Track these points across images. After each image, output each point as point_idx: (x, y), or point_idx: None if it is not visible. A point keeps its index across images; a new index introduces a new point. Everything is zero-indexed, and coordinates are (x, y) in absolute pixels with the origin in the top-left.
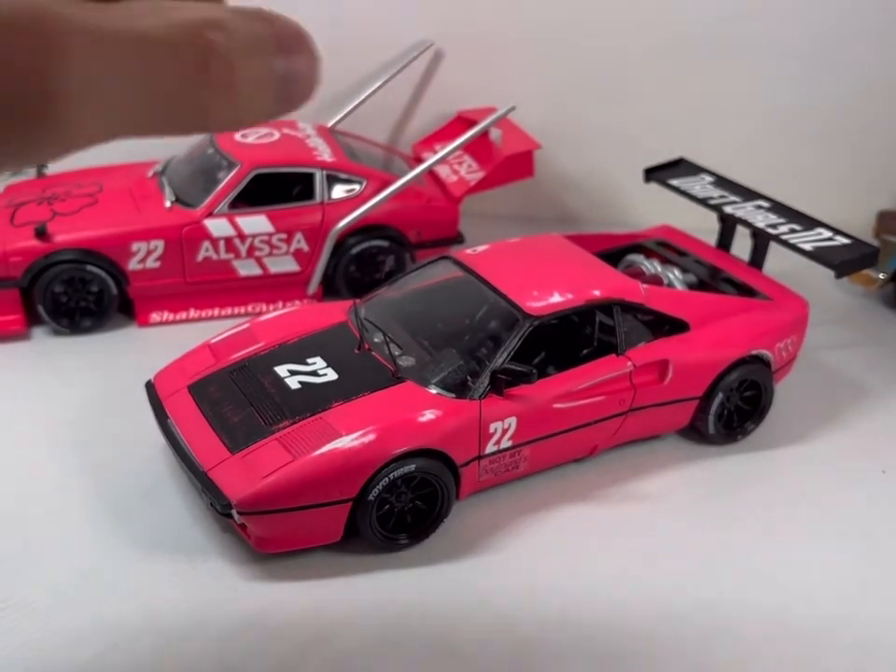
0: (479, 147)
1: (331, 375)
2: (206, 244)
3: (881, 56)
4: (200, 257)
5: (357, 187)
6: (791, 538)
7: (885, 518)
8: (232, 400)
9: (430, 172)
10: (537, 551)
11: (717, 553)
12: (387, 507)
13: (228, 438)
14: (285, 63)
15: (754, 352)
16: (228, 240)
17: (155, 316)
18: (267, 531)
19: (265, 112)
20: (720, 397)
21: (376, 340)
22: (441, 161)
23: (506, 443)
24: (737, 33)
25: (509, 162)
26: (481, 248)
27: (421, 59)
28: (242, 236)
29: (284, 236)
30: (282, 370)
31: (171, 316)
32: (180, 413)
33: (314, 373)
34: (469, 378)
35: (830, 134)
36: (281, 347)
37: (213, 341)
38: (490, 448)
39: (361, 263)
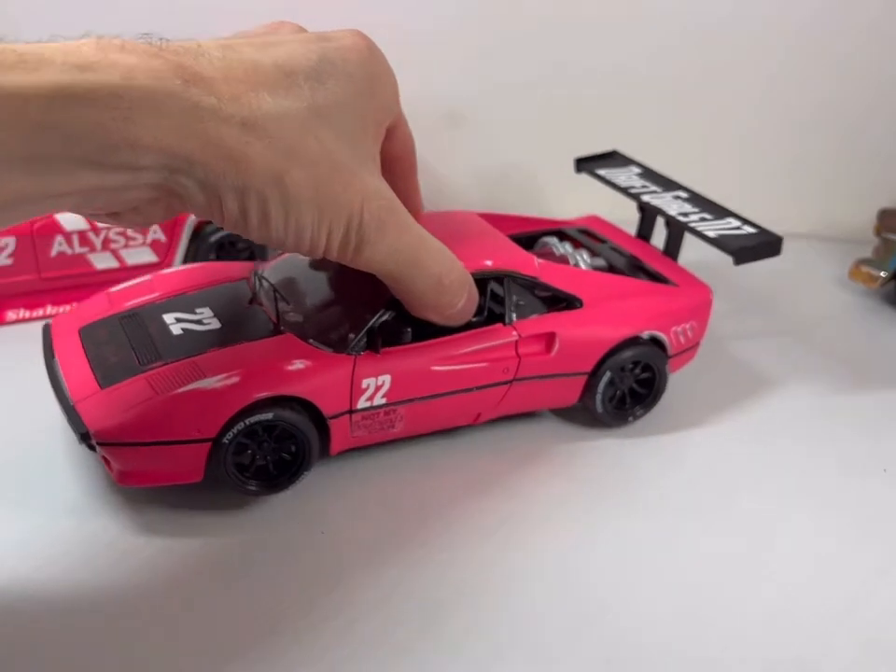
0: None
1: (215, 324)
2: (59, 238)
3: (882, 53)
4: (54, 251)
5: None
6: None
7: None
8: (116, 343)
9: None
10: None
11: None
12: (249, 453)
13: (101, 375)
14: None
15: (646, 333)
16: (81, 233)
17: (11, 314)
18: (126, 464)
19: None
20: (607, 375)
21: (269, 296)
22: None
23: (379, 400)
24: (737, 30)
25: None
26: None
27: None
28: (95, 229)
29: None
30: (169, 317)
31: (27, 314)
32: (65, 352)
33: (198, 322)
34: (349, 335)
35: (830, 132)
36: (175, 298)
37: (112, 290)
38: (362, 403)
39: (221, 251)
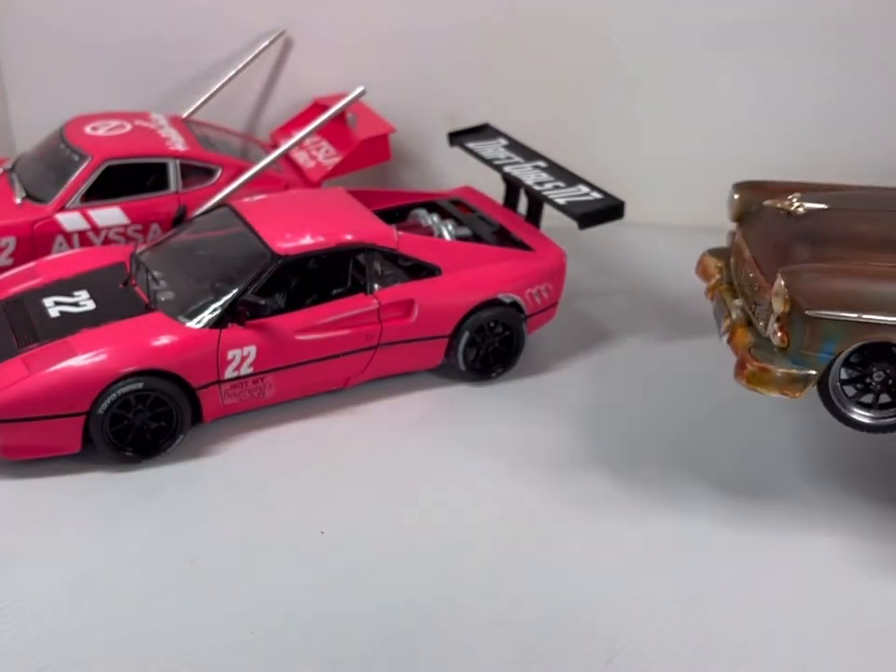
0: (336, 133)
1: (90, 306)
2: (60, 238)
3: (881, 51)
4: (54, 252)
5: (212, 175)
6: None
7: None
8: None
9: (289, 158)
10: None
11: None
12: (126, 423)
13: None
14: None
15: (501, 296)
16: (82, 234)
17: None
18: (7, 440)
19: None
20: (466, 336)
21: (142, 277)
22: (298, 146)
23: (246, 370)
24: (736, 30)
25: (364, 147)
26: (259, 197)
27: (273, 47)
28: (96, 229)
29: (139, 227)
30: (49, 301)
31: None
32: None
33: (75, 304)
34: (215, 310)
35: (830, 132)
36: (55, 283)
37: None
38: (230, 374)
39: None
